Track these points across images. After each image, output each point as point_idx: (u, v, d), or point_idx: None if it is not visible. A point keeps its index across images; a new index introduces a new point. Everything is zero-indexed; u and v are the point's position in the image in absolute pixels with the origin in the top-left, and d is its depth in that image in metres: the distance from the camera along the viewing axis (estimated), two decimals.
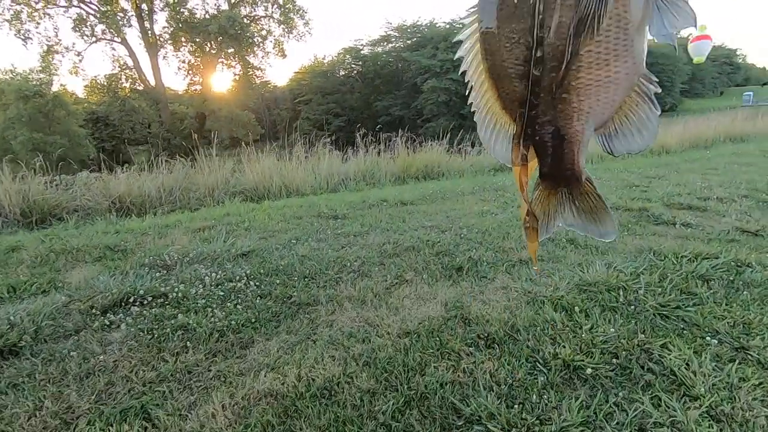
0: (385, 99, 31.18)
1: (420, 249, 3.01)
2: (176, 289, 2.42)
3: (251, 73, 32.02)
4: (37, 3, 25.44)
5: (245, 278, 2.58)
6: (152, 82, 29.44)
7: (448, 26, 28.29)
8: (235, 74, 31.48)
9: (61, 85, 26.55)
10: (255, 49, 31.20)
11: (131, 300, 2.33)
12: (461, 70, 0.73)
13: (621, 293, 2.25)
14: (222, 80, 31.56)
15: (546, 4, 0.59)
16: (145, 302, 2.33)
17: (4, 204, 4.34)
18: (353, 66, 34.74)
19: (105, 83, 28.65)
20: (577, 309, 2.09)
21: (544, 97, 0.65)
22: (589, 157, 7.97)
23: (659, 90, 0.65)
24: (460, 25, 0.75)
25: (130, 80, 29.55)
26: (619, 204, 4.03)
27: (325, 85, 33.72)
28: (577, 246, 3.02)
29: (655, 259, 2.69)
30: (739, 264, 2.56)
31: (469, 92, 0.74)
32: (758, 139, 10.58)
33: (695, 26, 0.59)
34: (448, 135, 7.73)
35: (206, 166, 5.70)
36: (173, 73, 28.42)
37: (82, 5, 26.57)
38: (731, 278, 2.39)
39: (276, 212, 4.15)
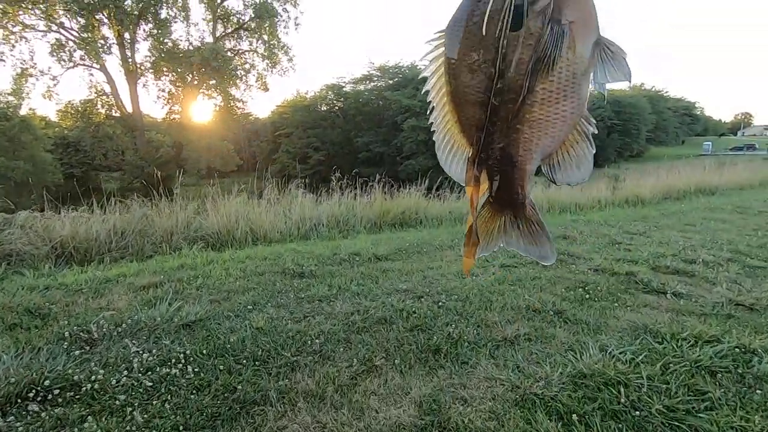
0: (365, 135, 31.47)
1: (393, 321, 2.66)
2: (94, 377, 1.98)
3: (232, 104, 31.89)
4: (14, 27, 24.97)
5: (183, 361, 2.16)
6: (129, 109, 28.87)
7: None
8: (216, 105, 31.34)
9: (30, 109, 25.51)
10: (237, 81, 31.28)
11: (32, 393, 1.87)
12: (424, 89, 0.77)
13: (622, 391, 1.94)
14: (202, 110, 31.22)
15: (509, 40, 0.64)
16: (50, 397, 1.87)
17: None
18: (335, 102, 35.20)
19: (80, 108, 27.85)
20: (574, 416, 1.77)
21: (501, 126, 0.71)
22: (567, 208, 7.93)
23: (596, 131, 0.73)
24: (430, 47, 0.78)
25: (106, 106, 28.91)
26: (605, 267, 3.81)
27: (307, 120, 33.87)
28: (566, 320, 2.73)
29: (652, 342, 2.41)
30: (744, 350, 2.31)
31: (431, 112, 0.79)
32: (726, 193, 10.91)
33: (629, 82, 0.68)
34: (427, 179, 7.55)
35: (166, 207, 5.26)
36: (152, 101, 27.82)
37: (61, 30, 26.21)
38: (740, 371, 2.12)
39: (236, 266, 3.74)
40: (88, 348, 2.30)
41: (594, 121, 0.73)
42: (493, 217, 0.85)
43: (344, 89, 34.16)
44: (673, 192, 10.12)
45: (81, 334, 2.41)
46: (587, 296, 3.14)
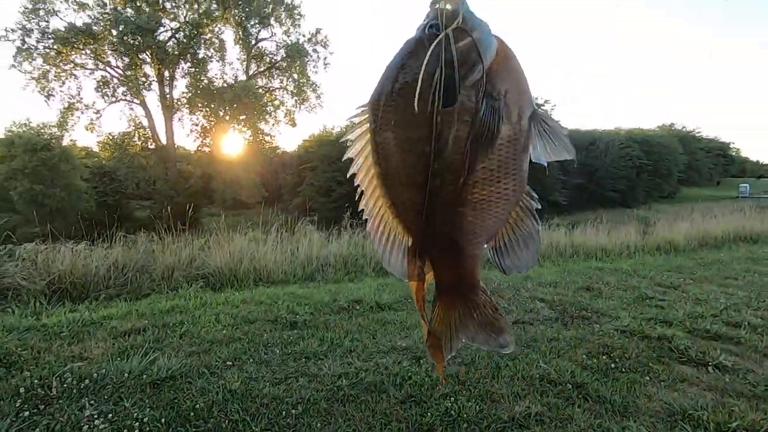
0: None
1: (384, 389, 2.34)
2: None
3: (261, 138, 32.99)
4: (65, 65, 26.95)
5: (137, 430, 1.90)
6: (164, 141, 30.21)
7: None
8: (245, 138, 32.42)
9: (71, 140, 27.00)
10: (267, 117, 32.47)
11: None
12: (350, 172, 0.71)
13: None
14: (232, 143, 32.35)
15: (443, 117, 0.59)
16: None
17: None
18: None
19: (118, 140, 29.34)
20: None
21: (441, 209, 0.65)
22: (593, 254, 7.45)
23: (539, 206, 0.71)
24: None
25: (142, 139, 30.35)
26: (634, 328, 3.38)
27: (332, 154, 34.46)
28: (587, 397, 2.34)
29: None
30: None
31: (359, 197, 0.73)
32: None
33: (574, 159, 0.67)
34: None
35: (172, 242, 5.17)
36: (185, 135, 29.05)
37: (107, 69, 28.10)
38: None
39: (227, 311, 3.52)
40: (41, 408, 2.08)
41: (536, 196, 0.70)
42: (447, 312, 0.77)
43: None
44: (710, 239, 9.43)
45: (39, 390, 2.20)
46: (613, 365, 2.73)
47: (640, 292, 4.57)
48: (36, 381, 2.28)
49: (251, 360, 2.66)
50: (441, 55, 0.55)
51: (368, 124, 0.66)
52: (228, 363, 2.60)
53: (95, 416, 2.00)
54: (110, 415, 2.02)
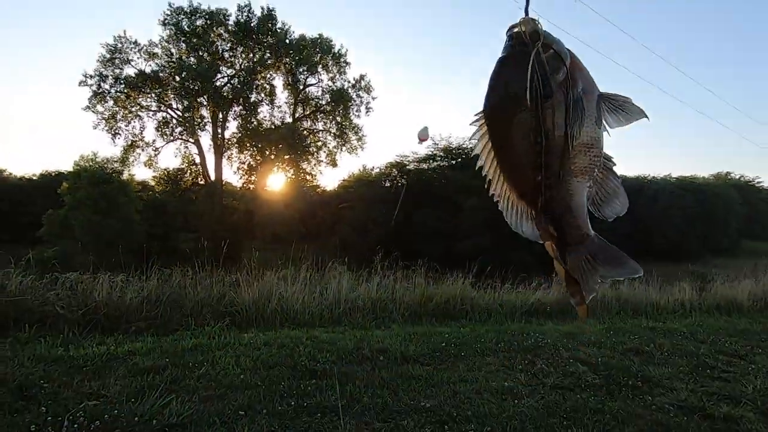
0: (424, 212, 31.57)
1: None
2: None
3: (302, 177, 34.21)
4: (132, 107, 29.62)
5: None
6: (213, 178, 31.94)
7: None
8: (287, 176, 33.71)
9: (130, 174, 29.17)
10: (309, 157, 33.80)
11: None
12: (478, 165, 0.90)
13: None
14: (275, 181, 33.75)
15: (545, 109, 0.76)
16: None
17: None
18: (398, 179, 36.30)
19: (172, 175, 31.35)
20: None
21: (553, 182, 0.82)
22: (642, 310, 6.87)
23: (617, 164, 0.87)
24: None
25: (193, 175, 32.27)
26: (694, 403, 2.96)
27: (370, 194, 34.99)
28: None
29: None
30: None
31: (488, 186, 0.92)
32: None
33: (647, 118, 0.84)
34: (477, 264, 6.99)
35: (205, 277, 5.24)
36: (233, 172, 30.97)
37: (168, 110, 30.57)
38: None
39: (248, 354, 3.43)
40: None
41: (613, 156, 0.88)
42: (577, 260, 0.88)
43: (407, 167, 35.28)
44: None
45: (49, 429, 2.16)
46: None
47: (699, 360, 4.08)
48: (49, 419, 2.25)
49: (264, 411, 2.52)
50: (535, 63, 0.73)
51: (485, 127, 0.85)
52: (240, 413, 2.48)
53: None
54: None
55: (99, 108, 28.12)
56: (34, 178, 34.41)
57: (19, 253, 5.24)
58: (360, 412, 2.58)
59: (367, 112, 33.78)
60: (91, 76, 27.65)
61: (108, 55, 28.02)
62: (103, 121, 28.32)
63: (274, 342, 3.81)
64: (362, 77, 33.37)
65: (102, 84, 28.05)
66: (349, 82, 33.30)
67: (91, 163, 24.99)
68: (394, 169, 36.56)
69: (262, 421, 2.41)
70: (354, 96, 33.26)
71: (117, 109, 28.95)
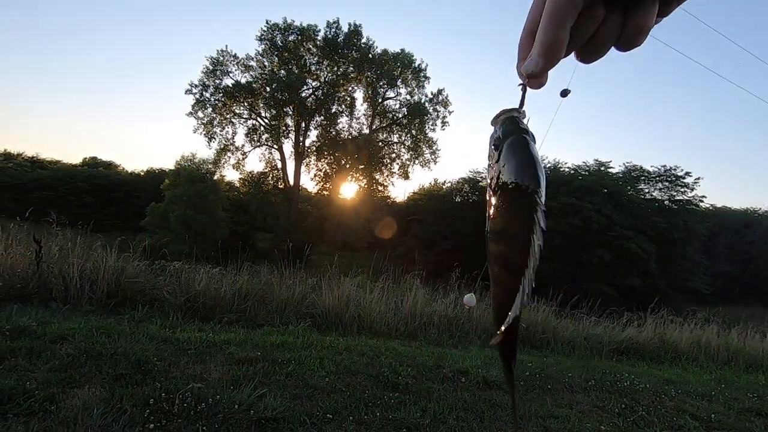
0: None
1: None
2: None
3: (375, 187, 34.93)
4: (227, 114, 32.46)
5: None
6: (291, 183, 33.80)
7: (572, 171, 27.84)
8: (360, 186, 34.65)
9: (221, 174, 31.94)
10: (382, 168, 34.46)
11: None
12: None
13: None
14: (348, 189, 34.86)
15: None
16: None
17: (98, 280, 4.53)
18: (470, 195, 35.60)
19: (255, 178, 33.71)
20: None
21: None
22: (759, 363, 5.97)
23: None
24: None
25: (274, 179, 34.40)
26: None
27: (439, 208, 34.71)
28: None
29: None
30: None
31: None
32: None
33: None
34: (562, 293, 6.57)
35: (289, 278, 5.50)
36: (310, 178, 32.69)
37: (258, 119, 33.04)
38: None
39: (331, 358, 3.51)
40: (164, 423, 2.22)
41: None
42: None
43: (480, 183, 34.49)
44: None
45: (164, 404, 2.37)
46: None
47: (749, 404, 3.42)
48: (163, 394, 2.46)
49: (351, 418, 2.54)
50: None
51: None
52: (328, 416, 2.53)
53: None
54: None
55: (200, 114, 31.22)
56: (142, 173, 39.10)
57: (127, 238, 5.89)
58: None
59: (443, 126, 33.74)
60: (195, 86, 30.84)
61: (211, 67, 31.06)
62: (202, 126, 31.40)
63: (354, 348, 3.86)
64: (440, 91, 33.47)
65: (204, 93, 31.19)
66: (426, 96, 33.57)
67: (189, 163, 27.68)
68: (466, 185, 35.96)
69: (350, 427, 2.42)
70: (431, 110, 33.42)
71: (214, 115, 31.91)
